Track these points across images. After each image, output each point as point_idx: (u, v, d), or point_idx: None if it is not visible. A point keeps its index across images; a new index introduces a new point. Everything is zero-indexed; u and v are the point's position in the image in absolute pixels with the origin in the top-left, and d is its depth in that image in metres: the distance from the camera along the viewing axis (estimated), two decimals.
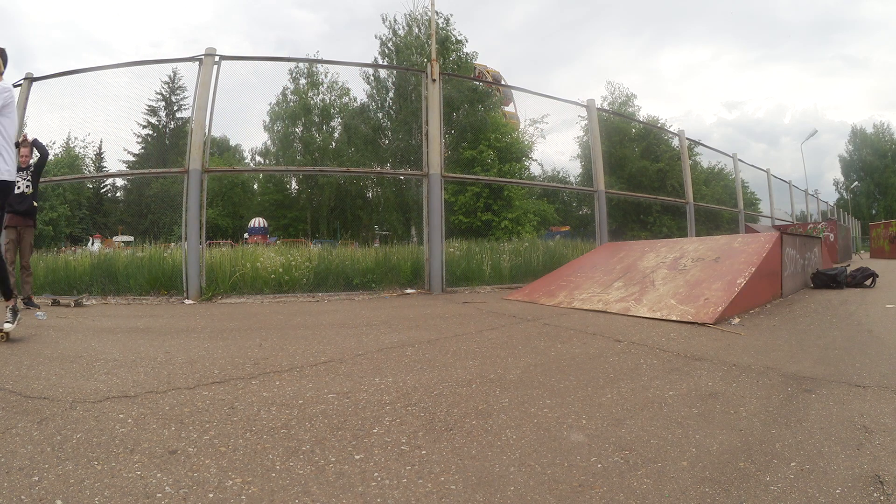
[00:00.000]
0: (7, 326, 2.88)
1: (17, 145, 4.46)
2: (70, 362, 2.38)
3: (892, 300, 4.59)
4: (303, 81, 28.42)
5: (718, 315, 3.35)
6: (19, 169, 4.60)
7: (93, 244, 18.86)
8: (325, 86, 28.67)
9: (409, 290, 6.22)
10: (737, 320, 3.43)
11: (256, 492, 1.09)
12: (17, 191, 4.60)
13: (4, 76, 3.01)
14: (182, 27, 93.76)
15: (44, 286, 5.96)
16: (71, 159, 28.80)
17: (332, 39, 79.42)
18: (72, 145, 30.49)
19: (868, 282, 5.88)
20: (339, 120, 28.06)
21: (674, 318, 3.49)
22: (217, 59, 5.93)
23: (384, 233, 23.71)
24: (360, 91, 26.16)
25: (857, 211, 44.73)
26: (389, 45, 24.52)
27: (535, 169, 24.74)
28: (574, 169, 29.61)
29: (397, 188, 23.55)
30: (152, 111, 38.00)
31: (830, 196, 49.64)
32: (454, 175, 12.30)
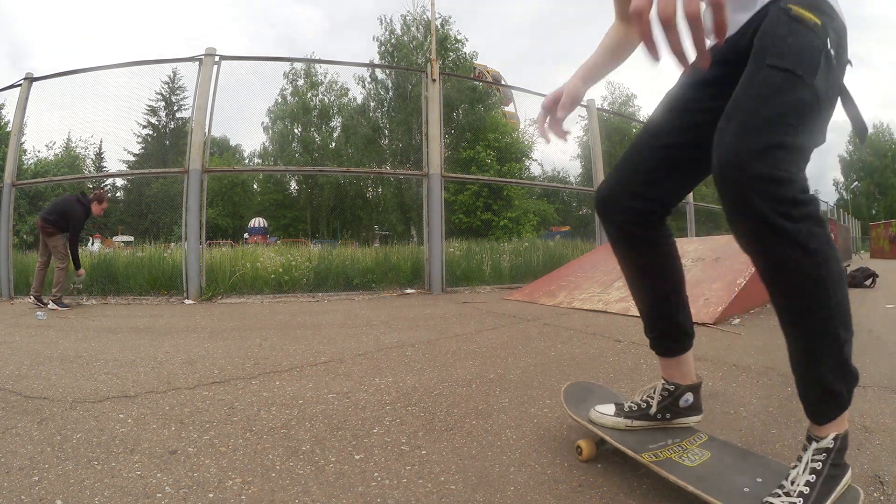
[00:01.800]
0: None
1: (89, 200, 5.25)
2: (70, 362, 2.38)
3: (892, 300, 4.59)
4: (301, 82, 28.46)
5: (718, 315, 3.35)
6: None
7: (93, 244, 18.82)
8: (325, 86, 28.75)
9: (409, 290, 6.22)
10: (737, 320, 3.43)
11: (256, 492, 1.09)
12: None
13: None
14: (180, 24, 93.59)
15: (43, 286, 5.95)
16: (71, 159, 28.74)
17: (333, 36, 79.26)
18: (72, 145, 30.48)
19: (868, 282, 5.88)
20: (339, 120, 28.12)
21: None
22: (217, 58, 5.93)
23: (384, 233, 23.73)
24: (359, 90, 26.19)
25: (856, 211, 44.73)
26: (388, 46, 24.55)
27: (535, 169, 24.80)
28: (574, 169, 29.70)
29: (397, 188, 23.57)
30: (152, 111, 37.97)
31: (830, 196, 49.67)
32: (454, 175, 12.29)
